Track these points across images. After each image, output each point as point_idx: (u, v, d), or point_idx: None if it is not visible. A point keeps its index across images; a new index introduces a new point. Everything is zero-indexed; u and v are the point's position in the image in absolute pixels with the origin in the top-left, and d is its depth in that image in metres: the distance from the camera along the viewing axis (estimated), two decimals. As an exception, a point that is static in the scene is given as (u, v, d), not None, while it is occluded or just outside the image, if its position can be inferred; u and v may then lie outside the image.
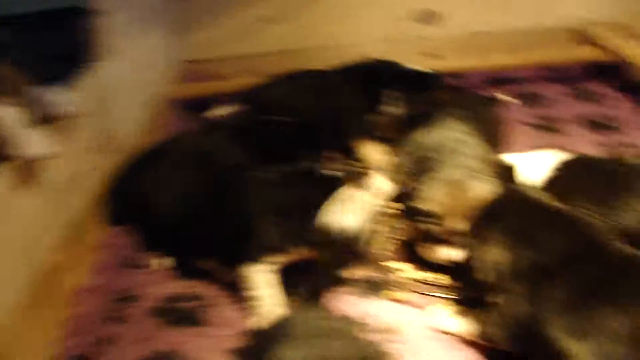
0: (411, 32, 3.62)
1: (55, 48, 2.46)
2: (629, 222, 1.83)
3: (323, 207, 1.92)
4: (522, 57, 3.42)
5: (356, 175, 2.10)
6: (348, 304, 2.02)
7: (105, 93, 2.39)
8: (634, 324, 1.32)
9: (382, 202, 2.14)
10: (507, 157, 2.14)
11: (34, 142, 1.74)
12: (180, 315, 2.03)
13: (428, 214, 1.99)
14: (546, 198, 1.75)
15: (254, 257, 1.93)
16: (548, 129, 3.01)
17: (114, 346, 1.89)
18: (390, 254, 2.21)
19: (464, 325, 1.80)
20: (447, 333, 1.86)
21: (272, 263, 1.95)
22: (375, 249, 2.20)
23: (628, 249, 1.53)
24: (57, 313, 1.90)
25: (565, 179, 1.99)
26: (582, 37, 3.55)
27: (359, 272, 2.13)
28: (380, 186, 2.13)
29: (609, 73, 3.47)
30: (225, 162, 2.22)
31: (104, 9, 2.40)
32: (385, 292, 2.05)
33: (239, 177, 2.05)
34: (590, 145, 2.81)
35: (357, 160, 2.81)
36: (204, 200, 2.08)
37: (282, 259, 1.96)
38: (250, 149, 2.32)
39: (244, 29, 3.55)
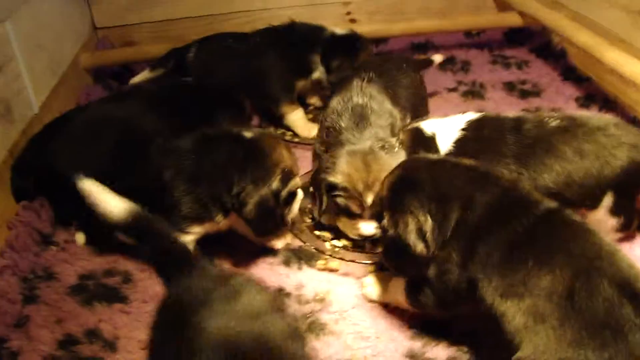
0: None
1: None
2: (546, 182, 1.87)
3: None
4: (445, 23, 3.42)
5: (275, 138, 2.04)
6: (278, 274, 1.98)
7: (2, 59, 2.18)
8: (562, 282, 1.33)
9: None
10: (423, 123, 2.12)
11: None
12: (99, 292, 1.92)
13: (341, 188, 1.94)
14: (453, 159, 1.72)
15: (175, 227, 1.83)
16: (471, 95, 3.05)
17: (29, 328, 1.77)
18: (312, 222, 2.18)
19: (391, 294, 1.79)
20: (374, 301, 1.85)
21: (193, 233, 1.86)
22: (301, 218, 2.17)
23: (553, 204, 1.54)
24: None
25: (477, 139, 1.99)
26: (503, 3, 3.59)
27: (289, 242, 2.09)
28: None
29: (529, 39, 3.53)
30: (139, 130, 2.09)
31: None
32: (315, 261, 2.01)
33: (150, 146, 1.94)
34: (513, 110, 2.85)
35: (284, 127, 2.76)
36: (118, 171, 1.95)
37: (201, 228, 1.88)
38: (167, 116, 2.20)
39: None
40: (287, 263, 2.02)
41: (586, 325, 1.27)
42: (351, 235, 2.05)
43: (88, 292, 1.92)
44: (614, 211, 1.89)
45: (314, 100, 2.94)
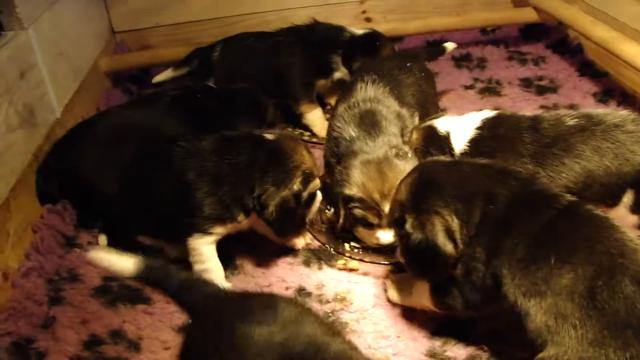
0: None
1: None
2: (565, 182, 1.86)
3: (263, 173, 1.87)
4: (460, 20, 3.41)
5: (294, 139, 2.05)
6: (299, 274, 2.00)
7: (25, 65, 2.23)
8: (584, 280, 1.32)
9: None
10: (437, 121, 2.10)
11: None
12: (123, 293, 1.95)
13: (357, 199, 1.92)
14: (467, 160, 1.72)
15: (198, 228, 1.87)
16: (488, 92, 3.04)
17: (55, 329, 1.80)
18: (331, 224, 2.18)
19: (416, 298, 1.77)
20: (394, 303, 1.85)
21: (215, 234, 1.89)
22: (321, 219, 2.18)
23: (573, 197, 1.53)
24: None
25: (493, 138, 1.98)
26: (519, -1, 3.59)
27: (308, 242, 2.11)
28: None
29: (546, 34, 3.52)
30: (162, 135, 2.12)
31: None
32: (335, 261, 2.03)
33: (172, 148, 1.95)
34: (530, 106, 2.85)
35: (302, 127, 2.78)
36: (140, 174, 1.99)
37: (223, 229, 1.90)
38: (190, 121, 2.25)
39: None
40: (307, 263, 2.04)
41: (608, 324, 1.27)
42: (370, 244, 2.05)
43: (112, 294, 1.95)
44: (634, 209, 1.87)
45: (333, 100, 2.96)
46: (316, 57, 2.74)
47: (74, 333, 1.80)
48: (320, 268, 2.01)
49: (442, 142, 2.01)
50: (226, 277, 1.96)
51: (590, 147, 1.85)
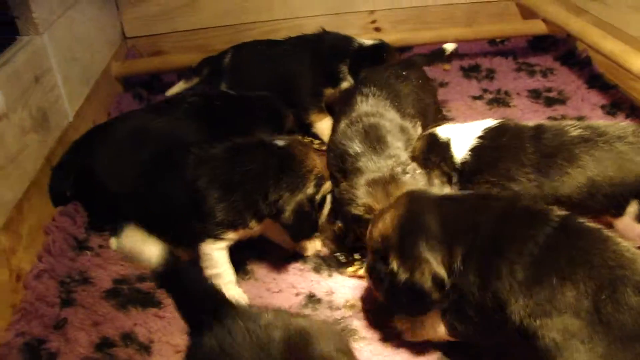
0: (357, 6, 3.59)
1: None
2: (568, 192, 1.87)
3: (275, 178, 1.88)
4: (469, 31, 3.44)
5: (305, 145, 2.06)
6: (309, 281, 2.01)
7: (40, 69, 2.25)
8: (587, 296, 1.33)
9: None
10: (439, 129, 2.10)
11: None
12: (134, 296, 1.96)
13: (364, 220, 1.89)
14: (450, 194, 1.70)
15: (210, 234, 1.88)
16: (496, 102, 3.05)
17: (66, 330, 1.81)
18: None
19: (429, 330, 1.71)
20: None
21: (227, 240, 1.90)
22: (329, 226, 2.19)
23: (563, 212, 1.53)
24: (3, 297, 1.80)
25: (494, 148, 1.98)
26: (527, 11, 3.60)
27: (318, 249, 2.12)
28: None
29: (554, 46, 3.54)
30: (180, 141, 2.14)
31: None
32: (345, 268, 2.04)
33: (184, 155, 1.97)
34: (538, 117, 2.86)
35: (311, 135, 2.80)
36: (153, 180, 2.01)
37: (235, 235, 1.91)
38: (208, 127, 2.27)
39: (183, 3, 3.46)
40: (317, 270, 2.04)
41: (616, 338, 1.27)
42: None
43: (123, 297, 1.96)
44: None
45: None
46: (325, 66, 2.75)
47: (85, 335, 1.81)
48: (330, 275, 2.02)
49: (442, 150, 2.02)
50: (237, 282, 1.96)
51: (594, 157, 1.86)
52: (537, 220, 1.47)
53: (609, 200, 1.87)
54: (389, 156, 1.98)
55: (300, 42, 2.83)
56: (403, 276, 1.55)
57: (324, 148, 2.72)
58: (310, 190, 1.91)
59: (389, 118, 2.14)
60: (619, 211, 1.89)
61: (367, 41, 2.81)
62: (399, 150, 2.03)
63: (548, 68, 3.35)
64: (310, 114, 2.75)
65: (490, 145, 1.98)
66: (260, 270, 2.05)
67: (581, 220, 1.50)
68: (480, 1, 3.65)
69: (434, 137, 2.07)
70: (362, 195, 1.91)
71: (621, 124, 1.96)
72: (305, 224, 1.93)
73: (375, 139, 2.03)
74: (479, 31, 3.46)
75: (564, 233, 1.45)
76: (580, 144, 1.89)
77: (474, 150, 1.98)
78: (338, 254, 2.11)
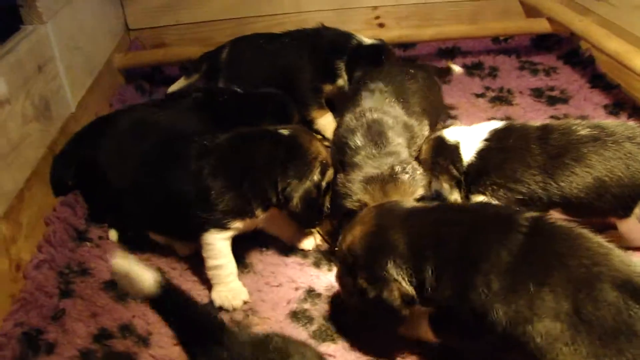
0: (361, 1, 3.58)
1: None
2: (575, 193, 1.87)
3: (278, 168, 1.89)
4: (473, 28, 3.43)
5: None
6: (309, 275, 2.01)
7: (42, 59, 2.25)
8: (566, 298, 1.33)
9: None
10: (446, 131, 2.10)
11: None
12: (133, 288, 1.96)
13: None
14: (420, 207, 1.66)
15: (215, 223, 1.87)
16: (499, 101, 3.05)
17: (64, 321, 1.82)
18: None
19: (416, 329, 1.71)
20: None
21: (233, 229, 1.89)
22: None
23: (532, 214, 1.52)
24: (3, 287, 1.80)
25: (500, 150, 1.98)
26: (531, 9, 3.59)
27: (319, 244, 2.12)
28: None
29: (557, 45, 3.53)
30: (180, 133, 2.14)
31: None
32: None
33: (189, 145, 1.97)
34: (541, 116, 2.86)
35: (313, 131, 2.79)
36: (154, 171, 2.00)
37: (241, 224, 1.90)
38: (212, 121, 2.26)
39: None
40: (317, 264, 2.04)
41: (598, 335, 1.28)
42: None
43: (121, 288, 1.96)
44: (647, 219, 1.88)
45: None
46: (323, 62, 2.73)
47: (84, 326, 1.81)
48: (330, 269, 2.02)
49: (451, 153, 2.02)
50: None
51: (603, 157, 1.85)
52: (507, 228, 1.46)
53: (617, 201, 1.86)
54: (389, 153, 1.97)
55: (299, 37, 2.81)
56: (372, 294, 1.56)
57: (327, 144, 2.72)
58: (316, 176, 1.93)
59: (393, 114, 2.12)
60: (627, 212, 1.89)
61: (367, 40, 2.78)
62: (400, 147, 2.01)
63: (551, 67, 3.34)
64: (311, 110, 2.74)
65: (497, 147, 1.98)
66: (259, 264, 2.05)
67: (551, 220, 1.49)
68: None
69: (441, 141, 2.06)
70: (358, 191, 1.90)
71: (630, 124, 1.95)
72: (312, 211, 1.94)
73: (376, 134, 2.02)
74: (482, 29, 3.44)
75: (536, 238, 1.44)
76: (589, 143, 1.88)
77: (481, 153, 1.98)
78: (337, 247, 2.10)
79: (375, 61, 2.69)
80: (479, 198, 1.96)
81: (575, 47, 3.44)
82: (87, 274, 2.02)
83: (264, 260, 2.07)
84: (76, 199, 2.24)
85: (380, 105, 2.14)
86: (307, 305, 1.87)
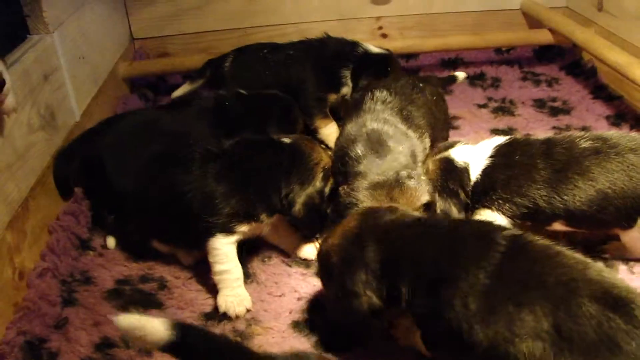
0: (364, 12, 3.59)
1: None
2: (579, 206, 1.87)
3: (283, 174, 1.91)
4: (476, 39, 3.44)
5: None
6: (312, 285, 2.01)
7: (48, 68, 2.27)
8: (545, 317, 1.32)
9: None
10: (453, 152, 2.06)
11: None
12: (136, 297, 1.97)
13: None
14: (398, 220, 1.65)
15: (221, 227, 1.88)
16: (501, 111, 3.06)
17: (67, 330, 1.82)
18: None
19: (410, 337, 1.73)
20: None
21: (238, 233, 1.91)
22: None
23: (511, 231, 1.51)
24: (6, 295, 1.81)
25: (505, 166, 1.98)
26: (534, 20, 3.61)
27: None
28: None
29: (560, 56, 3.54)
30: (185, 136, 2.16)
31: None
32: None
33: (194, 151, 1.99)
34: (543, 127, 2.87)
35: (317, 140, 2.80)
36: (158, 179, 2.02)
37: (246, 228, 1.91)
38: (219, 126, 2.28)
39: (191, 6, 3.48)
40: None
41: (581, 350, 1.27)
42: None
43: (124, 297, 1.97)
44: (651, 231, 1.88)
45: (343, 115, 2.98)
46: (328, 71, 2.75)
47: (86, 335, 1.81)
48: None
49: (460, 176, 1.99)
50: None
51: (605, 169, 1.85)
52: (485, 247, 1.46)
53: (620, 213, 1.87)
54: (393, 160, 1.97)
55: (303, 47, 2.83)
56: (342, 303, 1.59)
57: (329, 153, 2.73)
58: (319, 183, 1.97)
59: (393, 124, 2.13)
60: (630, 223, 1.89)
61: (374, 48, 2.80)
62: (402, 155, 2.01)
63: (553, 78, 3.36)
64: (315, 119, 2.75)
65: (502, 163, 1.97)
66: (262, 274, 2.05)
67: (529, 238, 1.48)
68: (487, 10, 3.65)
69: (450, 163, 2.02)
70: (365, 198, 1.90)
71: (633, 135, 1.95)
72: (315, 217, 1.96)
73: (377, 143, 2.02)
74: (485, 39, 3.46)
75: (514, 257, 1.43)
76: (591, 156, 1.88)
77: (486, 170, 1.98)
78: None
79: (382, 71, 2.72)
80: (485, 212, 1.96)
81: (578, 58, 3.46)
82: (90, 283, 2.02)
83: (267, 270, 2.07)
84: (80, 208, 2.25)
85: (382, 116, 2.15)
86: (309, 315, 1.87)
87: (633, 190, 1.84)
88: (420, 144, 2.19)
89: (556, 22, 3.34)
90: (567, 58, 3.51)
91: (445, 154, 2.07)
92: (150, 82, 3.35)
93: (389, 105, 2.21)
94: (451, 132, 2.75)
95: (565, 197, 1.88)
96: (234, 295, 1.88)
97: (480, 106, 3.11)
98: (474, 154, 2.03)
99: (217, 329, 1.84)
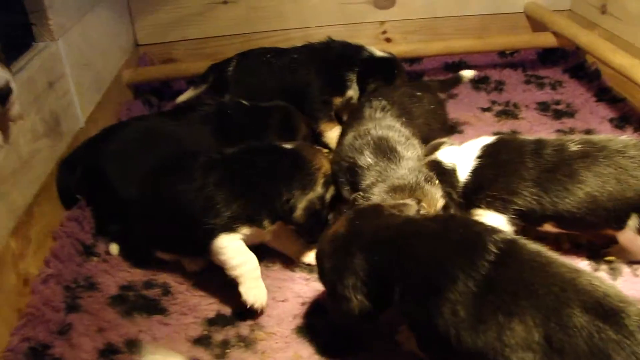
0: (368, 16, 3.60)
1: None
2: (568, 208, 1.89)
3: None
4: (480, 43, 3.44)
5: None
6: (315, 290, 2.01)
7: (53, 75, 2.28)
8: (536, 327, 1.31)
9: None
10: (440, 154, 2.09)
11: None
12: (139, 303, 1.98)
13: None
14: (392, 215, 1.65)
15: (224, 227, 1.88)
16: (505, 115, 3.05)
17: (71, 336, 1.82)
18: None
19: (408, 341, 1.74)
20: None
21: (241, 233, 1.91)
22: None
23: (503, 235, 1.49)
24: (10, 301, 1.81)
25: (493, 165, 1.99)
26: (537, 23, 3.61)
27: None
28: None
29: (563, 59, 3.54)
30: (188, 143, 2.17)
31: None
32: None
33: (196, 158, 2.00)
34: (547, 130, 2.86)
35: (320, 144, 2.80)
36: (161, 190, 2.03)
37: (248, 230, 1.92)
38: (220, 133, 2.30)
39: (195, 12, 3.50)
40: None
41: None
42: None
43: (128, 303, 1.97)
44: (641, 232, 1.89)
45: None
46: (333, 74, 2.75)
47: (90, 341, 1.82)
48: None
49: (449, 177, 2.02)
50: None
51: (594, 172, 1.87)
52: (475, 255, 1.43)
53: (610, 215, 1.88)
54: (407, 165, 1.97)
55: (308, 51, 2.83)
56: (334, 305, 1.62)
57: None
58: (320, 188, 1.97)
59: (397, 130, 2.13)
60: (620, 225, 1.90)
61: (379, 52, 2.81)
62: (412, 160, 2.01)
63: (557, 81, 3.35)
64: (320, 123, 2.75)
65: (489, 164, 1.99)
66: (266, 280, 2.03)
67: (521, 244, 1.46)
68: (491, 13, 3.66)
69: (438, 165, 2.05)
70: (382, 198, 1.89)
71: (621, 138, 1.96)
72: (315, 223, 1.97)
73: (387, 150, 2.02)
74: (488, 43, 3.46)
75: (504, 266, 1.41)
76: (580, 159, 1.90)
77: (475, 171, 2.00)
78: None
79: (388, 74, 2.73)
80: (479, 211, 1.99)
81: (581, 61, 3.45)
82: (94, 289, 2.03)
83: (271, 275, 2.07)
84: (83, 214, 2.26)
85: (383, 123, 2.15)
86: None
87: (621, 192, 1.85)
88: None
89: (560, 25, 3.33)
90: (570, 61, 3.51)
91: (432, 156, 2.09)
92: (154, 88, 3.36)
93: (388, 113, 2.22)
94: (455, 137, 2.75)
95: (555, 199, 1.89)
96: (257, 286, 1.89)
97: (484, 110, 3.11)
98: (461, 154, 2.05)
99: (221, 334, 1.84)
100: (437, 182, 1.96)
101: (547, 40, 3.43)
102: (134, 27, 3.45)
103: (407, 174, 1.93)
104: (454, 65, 3.56)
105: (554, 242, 2.05)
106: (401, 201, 1.76)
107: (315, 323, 1.87)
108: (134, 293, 2.02)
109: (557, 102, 3.13)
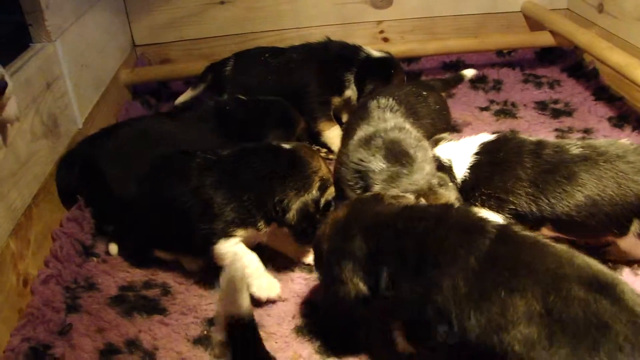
0: (365, 16, 3.60)
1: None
2: (567, 211, 1.88)
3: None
4: (477, 42, 3.45)
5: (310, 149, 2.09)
6: (315, 290, 2.00)
7: (51, 76, 2.28)
8: (536, 301, 1.33)
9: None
10: (438, 151, 2.09)
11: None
12: (139, 303, 1.97)
13: None
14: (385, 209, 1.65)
15: (221, 233, 1.89)
16: (503, 114, 3.06)
17: (71, 336, 1.82)
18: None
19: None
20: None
21: (239, 237, 1.91)
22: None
23: (498, 222, 1.52)
24: (10, 302, 1.81)
25: (491, 163, 1.99)
26: (535, 22, 3.61)
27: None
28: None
29: (561, 58, 3.54)
30: (187, 143, 2.16)
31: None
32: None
33: (191, 159, 2.00)
34: (545, 129, 2.87)
35: (319, 144, 2.81)
36: (158, 191, 2.03)
37: (244, 232, 1.92)
38: (220, 131, 2.30)
39: (192, 12, 3.50)
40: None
41: (573, 332, 1.29)
42: None
43: (128, 303, 1.97)
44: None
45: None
46: (331, 74, 2.76)
47: (90, 341, 1.82)
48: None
49: (446, 173, 2.01)
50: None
51: (594, 176, 1.86)
52: (476, 233, 1.47)
53: (611, 220, 1.86)
54: (420, 169, 1.94)
55: (305, 50, 2.84)
56: (330, 290, 1.62)
57: (331, 157, 2.73)
58: (315, 191, 1.95)
59: (408, 131, 2.10)
60: (622, 230, 1.89)
61: (375, 52, 2.82)
62: (424, 163, 1.97)
63: (555, 80, 3.36)
64: (319, 122, 2.76)
65: (487, 161, 1.99)
66: (265, 279, 2.05)
67: (517, 229, 1.50)
68: (488, 12, 3.66)
69: (436, 161, 2.05)
70: None
71: (622, 142, 1.96)
72: (308, 226, 1.95)
73: (400, 154, 1.98)
74: (486, 42, 3.46)
75: (503, 245, 1.44)
76: (580, 162, 1.89)
77: (472, 168, 2.00)
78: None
79: (385, 74, 2.74)
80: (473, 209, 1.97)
81: (579, 59, 3.46)
82: (93, 289, 2.03)
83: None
84: (83, 215, 2.25)
85: (394, 125, 2.12)
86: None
87: (622, 197, 1.84)
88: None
89: (557, 24, 3.34)
90: (568, 60, 3.51)
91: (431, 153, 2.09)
92: (152, 88, 3.36)
93: (397, 113, 2.21)
94: (453, 136, 2.74)
95: (553, 200, 1.88)
96: (266, 281, 1.91)
97: (482, 109, 3.12)
98: (458, 150, 2.05)
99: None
100: (450, 185, 1.94)
101: (544, 39, 3.44)
102: (131, 27, 3.45)
103: (420, 179, 1.91)
104: (451, 64, 3.57)
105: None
106: (401, 194, 1.76)
107: (315, 323, 1.86)
108: (133, 293, 2.02)
109: (555, 101, 3.14)
